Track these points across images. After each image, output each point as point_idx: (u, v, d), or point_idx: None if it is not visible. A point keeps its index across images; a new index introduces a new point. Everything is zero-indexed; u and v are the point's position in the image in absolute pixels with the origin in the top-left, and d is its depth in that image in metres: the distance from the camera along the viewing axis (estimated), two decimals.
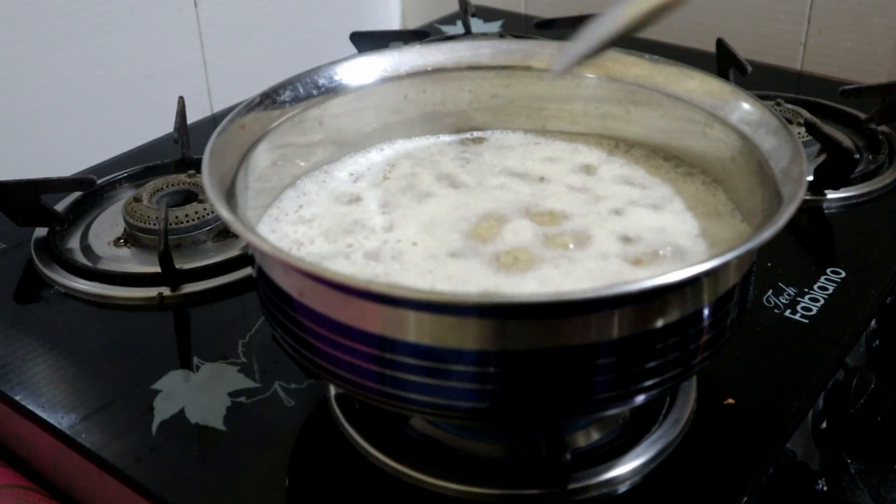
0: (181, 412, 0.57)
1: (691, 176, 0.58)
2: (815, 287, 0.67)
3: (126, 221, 0.74)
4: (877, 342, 0.66)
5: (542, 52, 0.62)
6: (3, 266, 0.73)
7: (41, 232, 0.75)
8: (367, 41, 0.99)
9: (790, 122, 0.82)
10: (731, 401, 0.56)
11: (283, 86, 0.57)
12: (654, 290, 0.41)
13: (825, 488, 0.53)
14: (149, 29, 0.99)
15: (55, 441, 0.56)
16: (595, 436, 0.54)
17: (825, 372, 0.59)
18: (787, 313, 0.64)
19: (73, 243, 0.75)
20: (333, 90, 0.59)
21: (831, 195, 0.77)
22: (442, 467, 0.51)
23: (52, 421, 0.57)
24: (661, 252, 0.51)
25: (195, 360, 0.61)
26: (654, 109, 0.60)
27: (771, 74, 1.01)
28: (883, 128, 0.86)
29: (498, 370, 0.42)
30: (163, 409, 0.57)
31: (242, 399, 0.58)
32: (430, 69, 0.62)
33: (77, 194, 0.79)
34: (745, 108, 0.54)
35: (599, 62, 0.60)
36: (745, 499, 0.50)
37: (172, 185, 0.77)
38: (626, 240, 0.52)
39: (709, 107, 0.56)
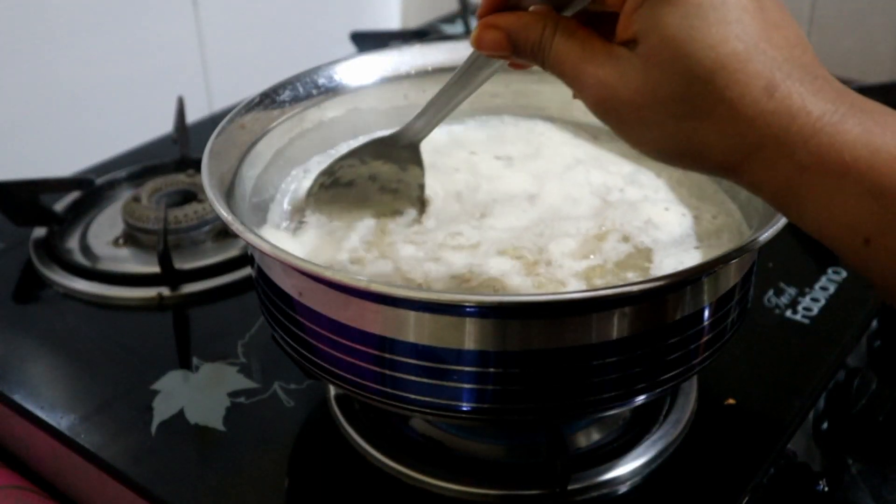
0: (180, 412, 0.57)
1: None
2: (816, 287, 0.66)
3: (125, 221, 0.74)
4: (878, 343, 0.66)
5: None
6: (2, 266, 0.73)
7: (40, 232, 0.75)
8: (367, 41, 0.99)
9: None
10: (731, 401, 0.56)
11: (282, 85, 0.57)
12: (654, 290, 0.41)
13: (826, 489, 0.53)
14: (148, 29, 0.99)
15: (54, 441, 0.56)
16: (595, 436, 0.54)
17: (826, 372, 0.59)
18: (788, 313, 0.64)
19: (72, 243, 0.75)
20: (333, 90, 0.59)
21: None
22: (442, 468, 0.51)
23: (51, 421, 0.57)
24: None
25: (194, 360, 0.61)
26: None
27: None
28: None
29: (498, 370, 0.42)
30: (162, 410, 0.57)
31: (242, 399, 0.58)
32: (430, 69, 0.62)
33: (76, 194, 0.79)
34: None
35: None
36: (746, 499, 0.50)
37: (171, 185, 0.77)
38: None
39: None
